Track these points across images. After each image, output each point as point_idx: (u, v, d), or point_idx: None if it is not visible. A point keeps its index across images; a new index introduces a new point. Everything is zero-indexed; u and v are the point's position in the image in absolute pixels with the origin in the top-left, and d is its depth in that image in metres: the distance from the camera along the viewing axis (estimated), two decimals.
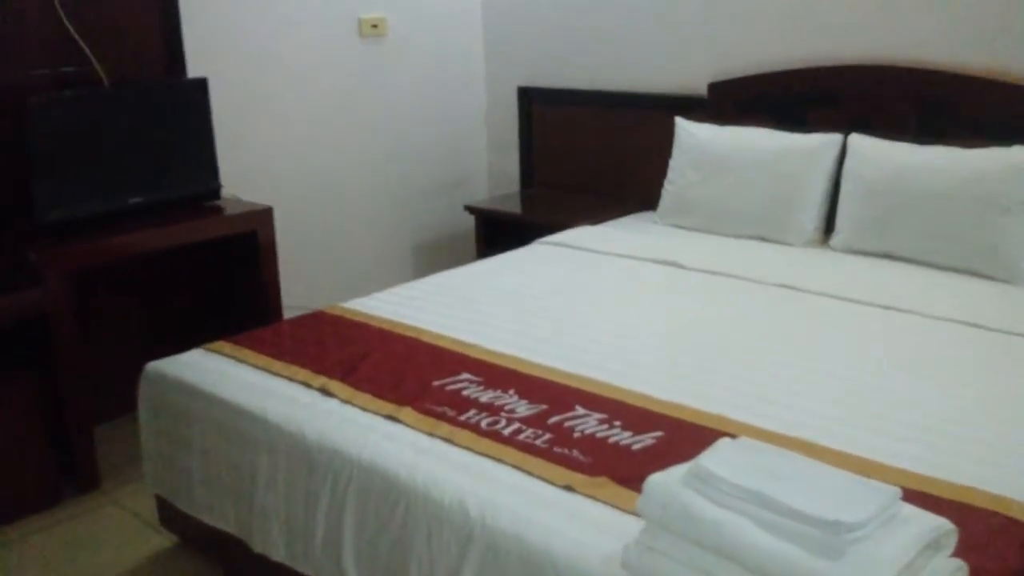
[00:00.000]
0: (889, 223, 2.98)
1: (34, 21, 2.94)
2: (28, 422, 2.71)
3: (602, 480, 1.69)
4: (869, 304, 2.59)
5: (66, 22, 2.97)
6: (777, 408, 1.97)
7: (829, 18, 3.31)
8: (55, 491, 2.79)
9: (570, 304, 2.65)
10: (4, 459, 2.66)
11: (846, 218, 3.11)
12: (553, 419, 1.93)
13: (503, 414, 1.96)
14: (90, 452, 2.86)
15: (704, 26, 3.63)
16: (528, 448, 1.82)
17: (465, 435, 1.88)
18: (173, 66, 3.28)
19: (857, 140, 3.15)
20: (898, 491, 1.37)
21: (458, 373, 2.18)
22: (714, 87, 3.59)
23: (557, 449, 1.81)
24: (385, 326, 2.51)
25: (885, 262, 2.97)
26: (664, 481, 1.44)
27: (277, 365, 2.27)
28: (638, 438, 1.85)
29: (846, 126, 3.21)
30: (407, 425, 1.94)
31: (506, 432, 1.88)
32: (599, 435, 1.87)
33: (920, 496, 1.56)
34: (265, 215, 3.20)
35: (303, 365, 2.25)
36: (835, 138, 3.21)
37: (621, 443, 1.83)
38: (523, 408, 1.99)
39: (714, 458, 1.44)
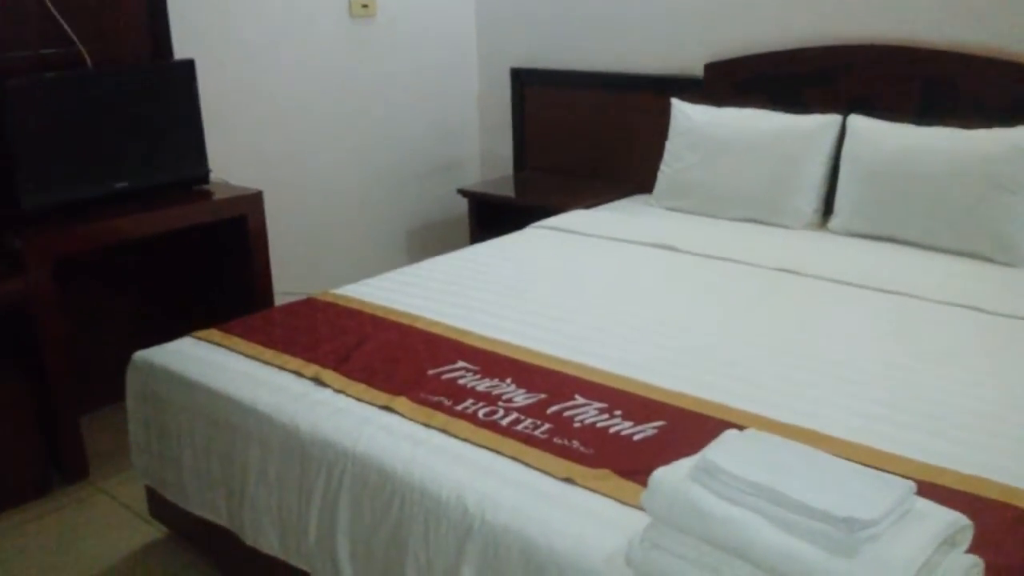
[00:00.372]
0: (889, 205, 2.94)
1: (14, 0, 2.85)
2: (14, 411, 2.66)
3: (604, 472, 1.65)
4: (870, 288, 2.55)
5: (47, 2, 2.89)
6: (779, 396, 1.93)
7: None
8: (43, 481, 2.74)
9: (567, 290, 2.61)
10: None
11: (845, 200, 3.07)
12: (552, 408, 1.89)
13: (501, 403, 1.92)
14: (78, 442, 2.81)
15: (700, 5, 3.57)
16: (527, 439, 1.77)
17: (462, 426, 1.83)
18: (159, 48, 3.21)
19: (856, 121, 3.10)
20: (912, 485, 1.33)
21: (454, 361, 2.13)
22: (711, 68, 3.53)
23: (557, 440, 1.77)
24: (378, 313, 2.46)
25: (885, 245, 2.93)
26: (670, 476, 1.39)
27: (268, 354, 2.22)
28: (639, 428, 1.81)
29: (845, 107, 3.16)
30: (402, 415, 1.89)
31: (504, 422, 1.84)
32: (599, 425, 1.82)
33: (930, 487, 1.53)
34: (255, 200, 3.14)
35: (295, 354, 2.20)
36: (834, 119, 3.16)
37: (622, 433, 1.79)
38: (521, 397, 1.94)
39: (721, 451, 1.40)
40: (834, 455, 1.48)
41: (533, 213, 3.45)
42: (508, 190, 3.99)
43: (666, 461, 1.49)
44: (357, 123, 3.93)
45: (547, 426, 1.82)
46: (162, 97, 3.05)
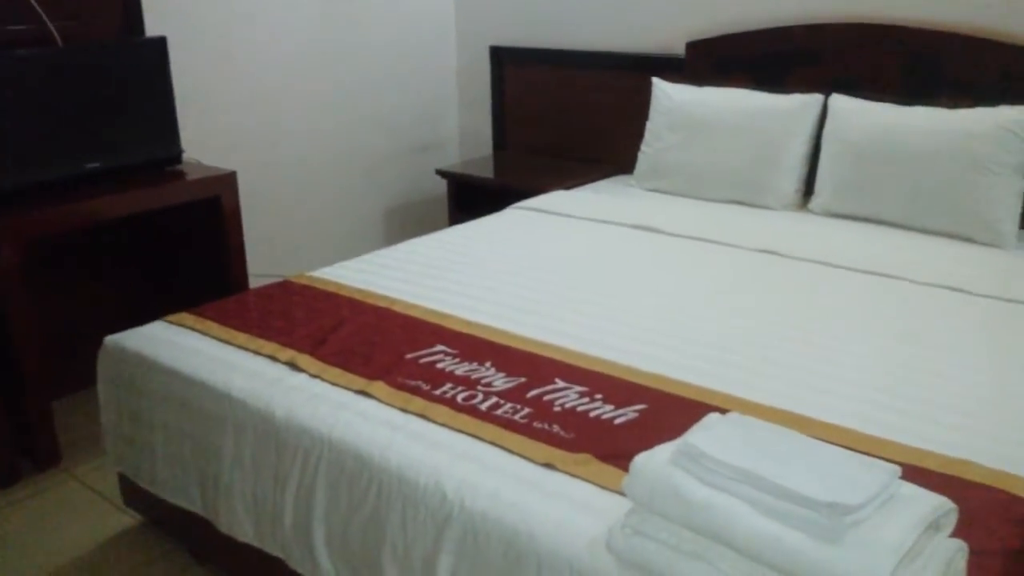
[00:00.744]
0: (870, 186, 2.92)
1: None
2: None
3: (584, 457, 1.62)
4: (851, 269, 2.54)
5: None
6: (761, 379, 1.91)
7: None
8: (13, 469, 2.69)
9: (547, 272, 2.57)
10: None
11: (826, 181, 3.05)
12: (532, 393, 1.86)
13: (480, 388, 1.88)
14: (49, 427, 2.76)
15: None
16: (507, 424, 1.74)
17: (440, 411, 1.80)
18: (130, 25, 3.13)
19: (838, 101, 3.08)
20: (897, 469, 1.31)
21: (432, 345, 2.09)
22: (692, 46, 3.50)
23: (537, 424, 1.74)
24: (355, 296, 2.42)
25: (866, 225, 2.92)
26: (652, 461, 1.37)
27: (242, 338, 2.17)
28: (620, 411, 1.78)
29: (827, 86, 3.14)
30: (379, 400, 1.86)
31: (483, 407, 1.81)
32: (580, 409, 1.79)
33: (914, 471, 1.51)
34: (229, 180, 3.08)
35: (269, 338, 2.16)
36: (816, 98, 3.14)
37: (603, 417, 1.76)
38: (500, 381, 1.91)
39: (703, 436, 1.37)
40: (817, 439, 1.47)
41: (513, 194, 3.41)
42: (487, 171, 3.95)
43: (647, 445, 1.47)
44: (333, 103, 3.87)
45: (527, 410, 1.79)
46: (133, 76, 2.97)
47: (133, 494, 2.36)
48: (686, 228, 2.89)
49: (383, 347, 2.09)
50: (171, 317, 2.32)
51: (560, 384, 1.89)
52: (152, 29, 3.14)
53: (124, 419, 2.25)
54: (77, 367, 2.82)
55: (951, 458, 1.61)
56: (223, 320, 2.28)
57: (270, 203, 3.65)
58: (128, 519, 2.49)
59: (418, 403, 1.83)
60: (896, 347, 2.06)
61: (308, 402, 1.88)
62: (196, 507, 2.10)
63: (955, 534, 1.32)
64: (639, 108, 3.49)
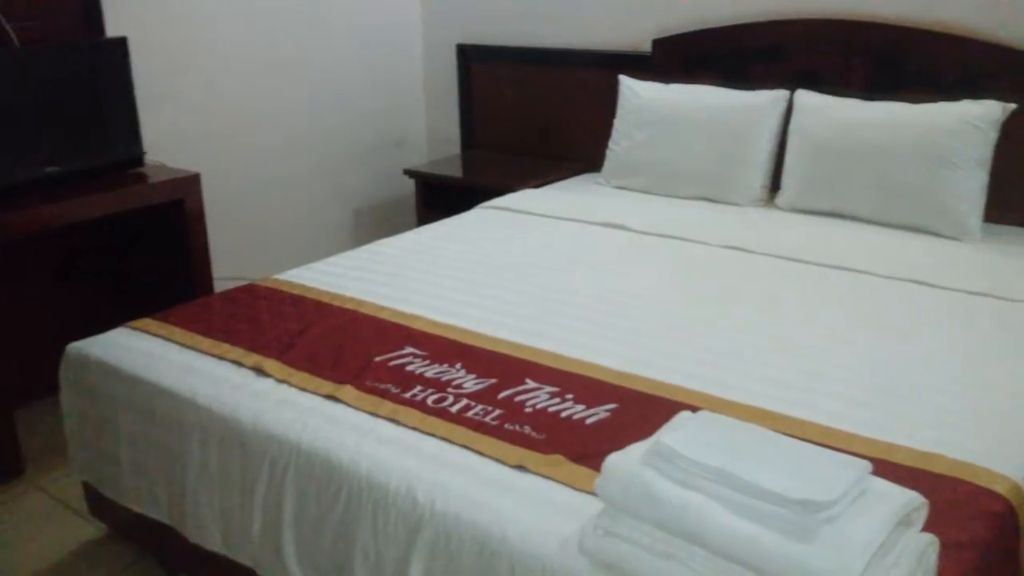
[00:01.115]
0: (836, 181, 2.93)
1: None
2: None
3: (556, 458, 1.61)
4: (818, 264, 2.55)
5: None
6: (731, 376, 1.91)
7: None
8: None
9: (516, 271, 2.56)
10: None
11: (792, 176, 3.06)
12: (503, 394, 1.84)
13: (450, 390, 1.87)
14: (12, 436, 2.70)
15: None
16: (478, 426, 1.73)
17: (410, 414, 1.78)
18: (90, 25, 3.07)
19: (803, 96, 3.09)
20: (868, 465, 1.31)
21: (401, 347, 2.07)
22: (659, 43, 3.50)
23: (508, 426, 1.72)
24: (323, 298, 2.39)
25: (832, 220, 2.93)
26: (624, 461, 1.36)
27: (207, 343, 2.14)
28: (592, 411, 1.77)
29: (793, 82, 3.15)
30: (348, 405, 1.84)
31: (454, 409, 1.79)
32: (551, 409, 1.78)
33: (884, 465, 1.51)
34: (192, 182, 3.04)
35: (235, 342, 2.13)
36: (781, 94, 3.15)
37: (574, 417, 1.75)
38: (471, 383, 1.89)
39: (675, 435, 1.37)
40: (787, 435, 1.47)
41: (481, 193, 3.39)
42: (455, 170, 3.92)
43: (619, 445, 1.46)
44: (299, 102, 3.82)
45: (498, 412, 1.77)
46: (94, 77, 2.93)
47: (98, 504, 2.32)
48: (654, 225, 2.89)
49: (351, 350, 2.07)
50: (134, 323, 2.28)
51: (531, 385, 1.88)
52: (113, 30, 3.08)
53: (88, 428, 2.21)
54: (40, 375, 2.76)
55: (920, 451, 1.61)
56: (187, 325, 2.24)
57: (235, 205, 3.60)
58: (93, 529, 2.45)
59: (388, 407, 1.81)
60: (863, 341, 2.07)
61: (275, 408, 1.85)
62: (163, 516, 2.06)
63: (926, 528, 1.33)
64: (607, 106, 3.48)
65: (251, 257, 3.64)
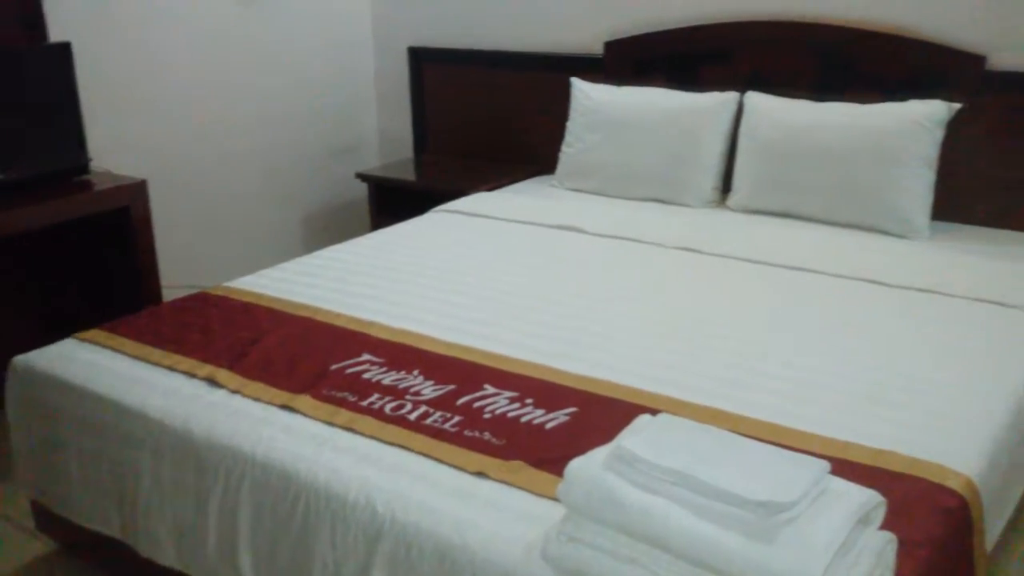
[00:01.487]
0: (786, 181, 2.97)
1: None
2: None
3: (517, 464, 1.60)
4: (770, 264, 2.58)
5: None
6: (688, 377, 1.92)
7: None
8: None
9: (472, 275, 2.55)
10: None
11: (743, 178, 3.09)
12: (462, 400, 1.83)
13: (408, 397, 1.85)
14: None
15: None
16: (437, 433, 1.71)
17: (368, 422, 1.76)
18: (32, 30, 2.99)
19: (753, 98, 3.12)
20: (826, 465, 1.32)
21: (358, 355, 2.05)
22: (610, 46, 3.51)
23: (468, 432, 1.71)
24: (276, 306, 2.36)
25: (783, 221, 2.96)
26: (586, 466, 1.35)
27: (157, 354, 2.09)
28: (551, 416, 1.77)
29: (744, 84, 3.18)
30: (304, 414, 1.81)
31: (412, 417, 1.77)
32: (511, 414, 1.78)
33: (839, 463, 1.52)
34: (139, 189, 2.98)
35: (186, 353, 2.08)
36: (731, 96, 3.17)
37: (534, 422, 1.75)
38: (429, 390, 1.88)
39: (636, 439, 1.37)
40: (746, 435, 1.47)
41: (435, 197, 3.37)
42: (408, 173, 3.90)
43: (579, 449, 1.46)
44: (247, 106, 3.77)
45: (457, 418, 1.76)
46: (37, 83, 2.85)
47: (47, 520, 2.26)
48: (608, 228, 2.90)
49: (306, 358, 2.04)
50: (82, 334, 2.22)
51: (490, 390, 1.87)
52: (56, 35, 3.01)
53: (36, 442, 2.15)
54: None
55: (875, 449, 1.63)
56: (137, 336, 2.19)
57: (183, 211, 3.54)
58: (41, 546, 2.38)
59: (345, 415, 1.79)
60: (817, 340, 2.09)
61: (229, 419, 1.82)
62: (114, 531, 2.01)
63: (883, 526, 1.34)
64: (559, 108, 3.48)
65: (201, 264, 3.57)
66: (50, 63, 2.88)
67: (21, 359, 2.17)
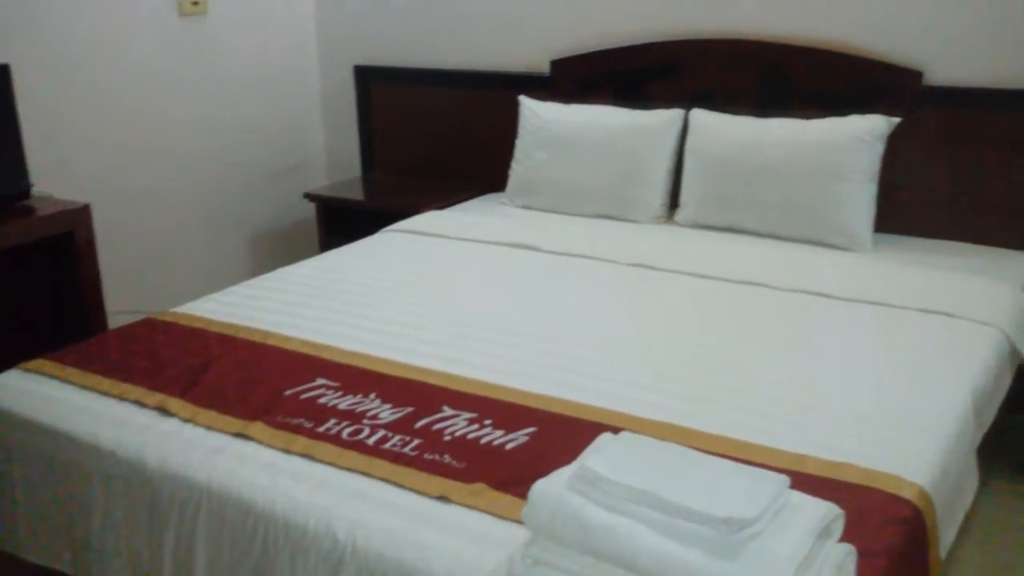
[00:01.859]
0: (731, 197, 3.01)
1: None
2: None
3: (478, 487, 1.60)
4: (719, 279, 2.60)
5: None
6: (645, 393, 1.94)
7: None
8: None
9: (425, 295, 2.54)
10: None
11: (690, 193, 3.13)
12: (420, 423, 1.82)
13: (366, 421, 1.83)
14: None
15: (545, 1, 3.56)
16: (396, 457, 1.70)
17: (326, 449, 1.74)
18: None
19: (698, 115, 3.16)
20: (786, 479, 1.34)
21: (312, 379, 2.02)
22: (557, 64, 3.54)
23: (428, 455, 1.70)
24: (226, 331, 2.32)
25: (730, 236, 3.00)
26: (550, 488, 1.36)
27: (106, 383, 2.04)
28: (511, 436, 1.77)
29: (689, 100, 3.22)
30: (259, 442, 1.78)
31: (371, 441, 1.76)
32: (470, 436, 1.77)
33: (796, 476, 1.54)
34: (82, 214, 2.92)
35: (136, 382, 2.04)
36: (677, 113, 3.21)
37: (494, 443, 1.74)
38: (387, 413, 1.86)
39: (599, 458, 1.37)
40: (705, 451, 1.49)
41: (385, 216, 3.35)
42: (357, 193, 3.88)
43: (540, 469, 1.47)
44: (192, 127, 3.72)
45: (416, 441, 1.75)
46: None
47: None
48: (560, 245, 2.91)
49: (259, 384, 2.00)
50: (27, 364, 2.16)
51: (448, 412, 1.86)
52: None
53: None
54: None
55: (830, 461, 1.66)
56: (84, 365, 2.14)
57: (128, 236, 3.47)
58: None
59: (301, 442, 1.77)
60: (768, 354, 2.12)
61: (182, 448, 1.78)
62: (65, 567, 1.96)
63: (842, 538, 1.36)
64: (508, 126, 3.49)
65: (148, 290, 3.51)
66: None
67: None
